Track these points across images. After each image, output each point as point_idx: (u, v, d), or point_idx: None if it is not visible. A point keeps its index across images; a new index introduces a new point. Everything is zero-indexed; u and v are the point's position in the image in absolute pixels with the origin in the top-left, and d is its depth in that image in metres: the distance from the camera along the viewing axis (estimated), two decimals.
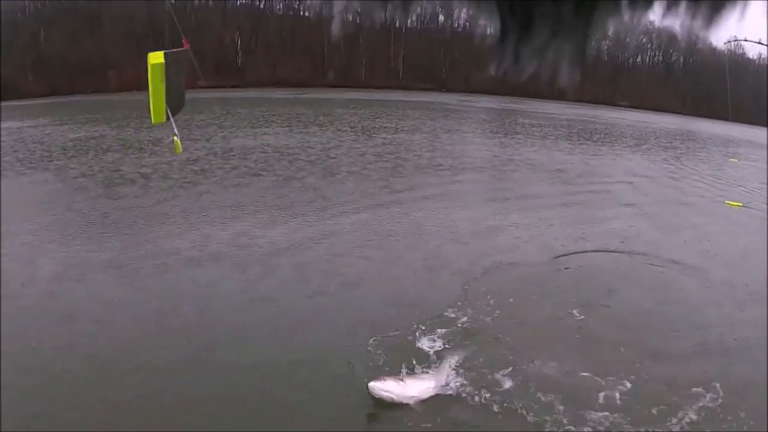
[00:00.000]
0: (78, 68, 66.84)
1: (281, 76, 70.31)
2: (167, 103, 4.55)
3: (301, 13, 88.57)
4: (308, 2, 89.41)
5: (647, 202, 19.86)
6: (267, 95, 56.59)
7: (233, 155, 19.91)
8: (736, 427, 7.12)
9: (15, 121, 35.34)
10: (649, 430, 6.88)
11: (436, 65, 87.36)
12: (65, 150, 21.88)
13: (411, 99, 61.01)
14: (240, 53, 73.24)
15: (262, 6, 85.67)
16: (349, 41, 78.46)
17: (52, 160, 19.55)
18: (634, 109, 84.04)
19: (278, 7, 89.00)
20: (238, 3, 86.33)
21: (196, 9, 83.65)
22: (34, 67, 71.35)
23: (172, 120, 4.48)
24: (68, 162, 19.09)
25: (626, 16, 0.82)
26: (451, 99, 67.00)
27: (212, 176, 17.06)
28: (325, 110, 36.89)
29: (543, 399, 7.37)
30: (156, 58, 3.63)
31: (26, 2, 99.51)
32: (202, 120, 30.01)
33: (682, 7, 1.03)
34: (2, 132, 28.26)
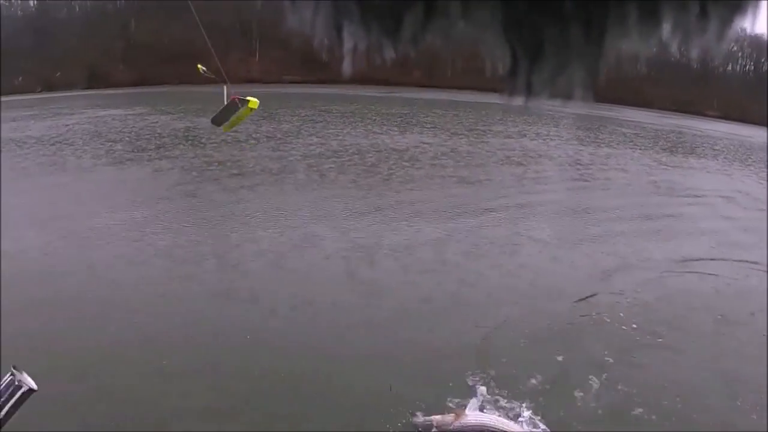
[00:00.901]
0: (166, 58, 68.12)
1: (366, 73, 69.95)
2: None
3: None
4: None
5: None
6: (356, 92, 56.30)
7: (352, 153, 19.41)
8: None
9: (116, 109, 35.95)
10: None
11: None
12: (177, 138, 21.81)
13: (494, 101, 59.78)
14: (326, 48, 73.30)
15: None
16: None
17: (171, 148, 19.46)
18: (723, 120, 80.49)
19: None
20: None
21: (281, 3, 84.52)
22: (124, 57, 73.30)
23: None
24: (186, 150, 18.93)
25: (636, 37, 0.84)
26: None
27: (347, 172, 16.55)
28: (423, 110, 36.22)
29: None
30: (255, 104, 5.08)
31: None
32: (305, 115, 29.77)
33: None
34: (108, 119, 28.67)
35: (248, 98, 6.49)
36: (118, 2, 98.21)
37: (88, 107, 42.69)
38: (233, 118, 6.22)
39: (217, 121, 6.77)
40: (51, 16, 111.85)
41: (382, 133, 22.79)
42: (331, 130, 23.62)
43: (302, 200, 13.12)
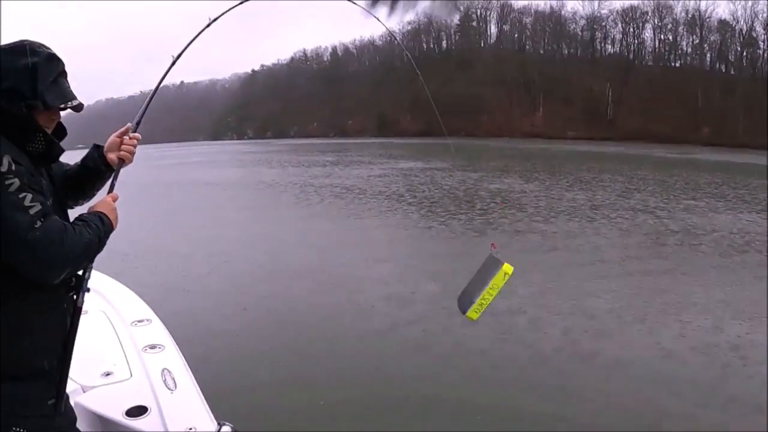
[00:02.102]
0: (450, 110, 71.11)
1: (651, 130, 66.31)
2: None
3: (671, 63, 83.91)
4: (680, 52, 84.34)
5: None
6: (645, 152, 53.10)
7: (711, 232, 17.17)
8: None
9: (417, 162, 37.55)
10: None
11: None
12: (507, 201, 21.44)
13: None
14: (611, 104, 71.05)
15: (631, 56, 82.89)
16: (725, 92, 71.11)
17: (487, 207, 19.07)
18: None
19: (647, 57, 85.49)
20: (606, 54, 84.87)
21: (564, 59, 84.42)
22: (411, 108, 78.15)
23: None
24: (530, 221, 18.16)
25: None
26: None
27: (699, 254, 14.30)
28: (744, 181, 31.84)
29: None
30: (509, 268, 2.67)
31: (404, 52, 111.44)
32: (617, 179, 28.03)
33: None
34: (420, 172, 29.79)
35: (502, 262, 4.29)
36: (404, 58, 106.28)
37: (383, 156, 45.67)
38: (487, 289, 3.82)
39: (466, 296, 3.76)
40: (343, 69, 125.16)
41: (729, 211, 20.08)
42: (656, 200, 21.60)
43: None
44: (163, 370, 3.02)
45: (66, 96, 1.93)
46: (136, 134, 2.30)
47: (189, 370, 3.06)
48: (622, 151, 52.99)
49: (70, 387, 2.20)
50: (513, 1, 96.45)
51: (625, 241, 13.66)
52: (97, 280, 2.71)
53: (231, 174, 35.38)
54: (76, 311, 2.04)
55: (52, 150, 1.95)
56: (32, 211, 1.72)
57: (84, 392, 2.77)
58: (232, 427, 2.54)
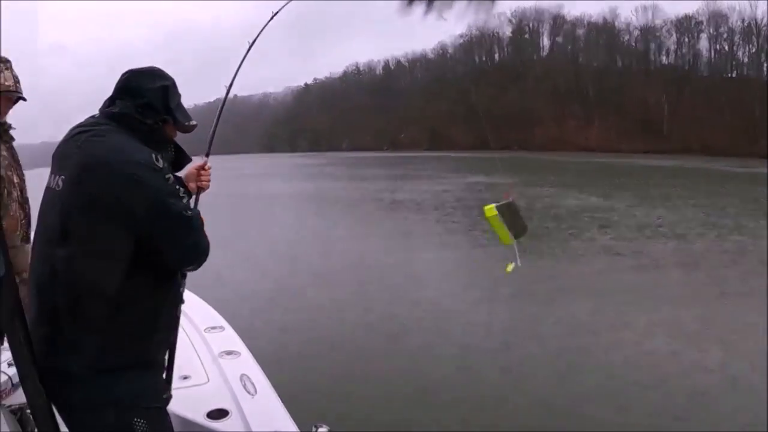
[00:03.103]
0: (503, 123, 71.36)
1: (707, 142, 65.72)
2: (512, 231, 3.83)
3: (727, 74, 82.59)
4: (736, 62, 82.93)
5: None
6: (706, 165, 52.46)
7: None
8: None
9: (481, 176, 37.77)
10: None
11: None
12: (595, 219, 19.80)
13: None
14: (666, 116, 70.46)
15: (686, 67, 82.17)
16: None
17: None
18: None
19: (702, 67, 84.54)
20: (660, 65, 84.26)
21: (618, 70, 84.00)
22: (465, 120, 78.79)
23: (515, 247, 3.59)
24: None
25: None
26: None
27: None
28: None
29: None
30: (489, 211, 3.10)
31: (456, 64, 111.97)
32: (677, 197, 27.36)
33: None
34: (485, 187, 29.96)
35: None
36: (456, 70, 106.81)
37: (442, 170, 45.69)
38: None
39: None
40: (395, 82, 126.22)
41: None
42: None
43: None
44: (242, 376, 3.12)
45: (189, 116, 2.14)
46: (209, 165, 2.52)
47: (265, 376, 3.16)
48: (681, 165, 51.75)
49: None
50: (565, 12, 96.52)
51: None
52: None
53: (302, 186, 36.40)
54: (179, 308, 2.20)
55: (181, 159, 2.18)
56: (184, 201, 1.94)
57: None
58: (328, 429, 2.63)
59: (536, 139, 71.10)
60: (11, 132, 2.99)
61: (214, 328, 3.86)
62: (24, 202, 2.97)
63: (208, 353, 3.46)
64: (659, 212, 21.07)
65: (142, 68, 2.10)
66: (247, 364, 3.33)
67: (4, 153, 2.89)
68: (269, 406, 2.85)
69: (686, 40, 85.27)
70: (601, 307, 9.53)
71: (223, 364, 3.29)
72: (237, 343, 3.61)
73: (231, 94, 3.05)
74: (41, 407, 1.80)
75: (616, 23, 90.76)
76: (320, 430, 2.63)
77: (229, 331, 3.84)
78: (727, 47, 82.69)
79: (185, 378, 3.08)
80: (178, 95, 2.15)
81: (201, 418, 2.71)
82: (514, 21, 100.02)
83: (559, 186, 31.80)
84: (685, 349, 7.51)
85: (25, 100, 2.97)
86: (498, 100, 76.44)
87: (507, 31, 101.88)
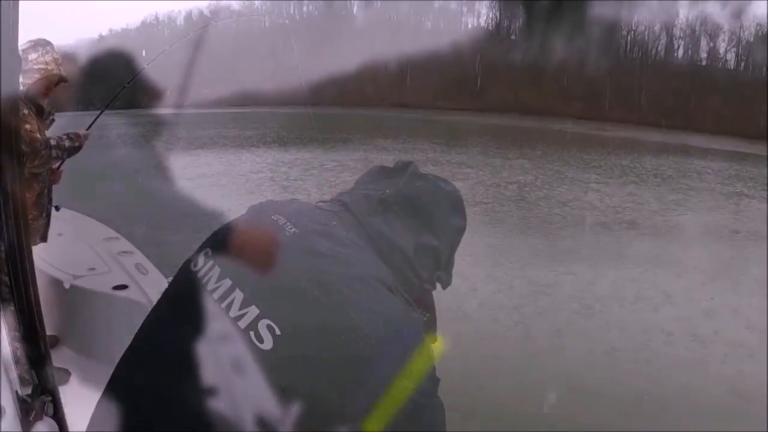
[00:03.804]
0: None
1: (522, 100, 65.35)
2: None
3: None
4: None
5: None
6: (518, 123, 51.06)
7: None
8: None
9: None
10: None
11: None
12: None
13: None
14: (480, 75, 70.60)
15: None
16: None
17: None
18: None
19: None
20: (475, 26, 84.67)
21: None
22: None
23: None
24: None
25: None
26: None
27: None
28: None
29: None
30: None
31: None
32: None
33: None
34: None
35: None
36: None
37: None
38: None
39: None
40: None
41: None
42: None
43: None
44: (136, 264, 4.05)
45: None
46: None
47: (154, 266, 4.16)
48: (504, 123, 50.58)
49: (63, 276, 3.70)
50: None
51: None
52: None
53: None
54: None
55: None
56: None
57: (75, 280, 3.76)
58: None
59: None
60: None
61: (110, 238, 4.69)
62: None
63: (108, 253, 4.29)
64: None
65: None
66: (140, 257, 4.23)
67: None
68: (160, 281, 3.72)
69: None
70: None
71: (121, 259, 4.16)
72: (130, 246, 4.50)
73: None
74: None
75: None
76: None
77: (123, 240, 4.68)
78: None
79: (92, 269, 3.95)
80: None
81: (108, 290, 3.65)
82: None
83: None
84: None
85: (66, 81, 2.99)
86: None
87: None
